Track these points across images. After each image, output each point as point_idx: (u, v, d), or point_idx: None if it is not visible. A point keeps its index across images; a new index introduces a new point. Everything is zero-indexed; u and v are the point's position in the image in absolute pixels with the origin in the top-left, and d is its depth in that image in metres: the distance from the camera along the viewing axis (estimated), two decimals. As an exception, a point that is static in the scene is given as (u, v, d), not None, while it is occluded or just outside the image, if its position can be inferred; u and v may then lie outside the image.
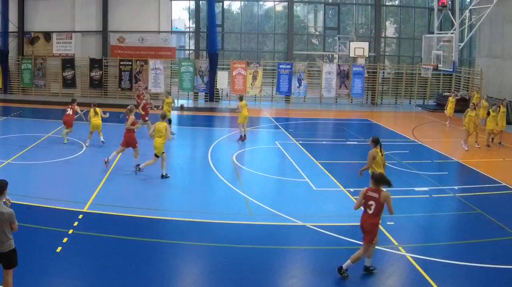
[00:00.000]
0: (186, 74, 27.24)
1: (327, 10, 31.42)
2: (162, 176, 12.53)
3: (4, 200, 6.23)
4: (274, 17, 31.44)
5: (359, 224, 7.59)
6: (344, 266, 7.52)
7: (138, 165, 12.74)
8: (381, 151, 9.95)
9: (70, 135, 16.17)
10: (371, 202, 7.40)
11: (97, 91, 27.44)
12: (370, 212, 7.40)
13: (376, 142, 9.95)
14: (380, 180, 7.42)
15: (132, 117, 13.23)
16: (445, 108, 22.50)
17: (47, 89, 27.39)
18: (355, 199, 11.14)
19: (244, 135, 17.17)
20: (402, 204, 11.03)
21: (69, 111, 16.52)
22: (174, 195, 11.66)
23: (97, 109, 15.99)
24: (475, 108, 17.28)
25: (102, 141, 15.77)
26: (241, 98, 17.49)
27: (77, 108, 16.79)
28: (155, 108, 17.88)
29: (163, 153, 12.55)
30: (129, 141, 13.27)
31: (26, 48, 27.47)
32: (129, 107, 13.65)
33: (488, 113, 17.75)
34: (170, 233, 9.21)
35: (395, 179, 13.00)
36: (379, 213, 7.40)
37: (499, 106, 17.88)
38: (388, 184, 7.46)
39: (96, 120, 15.81)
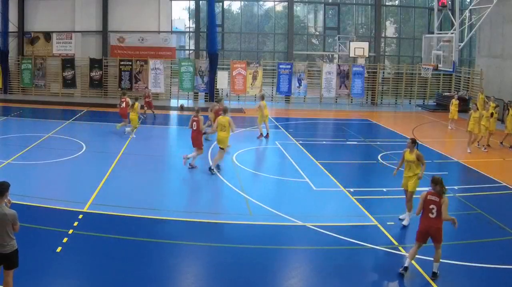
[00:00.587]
0: (186, 74, 27.24)
1: (327, 10, 31.41)
2: (210, 169, 12.96)
3: (5, 201, 6.24)
4: (274, 17, 31.44)
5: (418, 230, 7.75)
6: (435, 269, 7.64)
7: (211, 167, 12.99)
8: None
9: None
10: (432, 206, 7.46)
11: (97, 91, 27.44)
12: (433, 215, 7.47)
13: (415, 142, 10.03)
14: (441, 185, 7.56)
15: (201, 118, 13.37)
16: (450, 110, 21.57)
17: (47, 89, 27.38)
18: (355, 199, 11.19)
19: (267, 134, 17.97)
20: (402, 204, 11.02)
21: (123, 105, 18.02)
22: (174, 195, 11.66)
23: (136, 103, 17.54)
24: (477, 109, 16.98)
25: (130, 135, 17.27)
26: (262, 98, 17.95)
27: (129, 100, 18.04)
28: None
29: (229, 146, 13.17)
30: (195, 142, 13.39)
31: (26, 48, 27.46)
32: (196, 108, 13.89)
33: (491, 115, 17.31)
34: (170, 233, 9.21)
35: (395, 179, 13.02)
36: (440, 217, 7.50)
37: (508, 109, 17.76)
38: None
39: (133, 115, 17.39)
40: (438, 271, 7.62)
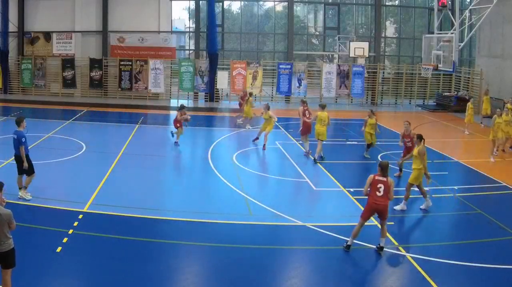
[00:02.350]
0: (186, 74, 27.24)
1: (327, 10, 31.41)
2: (315, 160, 14.43)
3: (-1, 200, 6.25)
4: (274, 17, 31.44)
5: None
6: (382, 243, 8.53)
7: (315, 157, 14.56)
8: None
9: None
10: (380, 185, 8.42)
11: (97, 91, 27.44)
12: (380, 194, 8.40)
13: (421, 138, 10.84)
14: (387, 168, 8.59)
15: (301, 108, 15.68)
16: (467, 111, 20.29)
17: (47, 89, 27.37)
18: (355, 199, 11.19)
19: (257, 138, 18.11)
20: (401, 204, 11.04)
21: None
22: (174, 195, 11.66)
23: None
24: (501, 114, 16.02)
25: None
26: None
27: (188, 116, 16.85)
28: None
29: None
30: (306, 131, 15.36)
31: (26, 48, 27.45)
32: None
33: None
34: (170, 233, 9.21)
35: (395, 178, 13.01)
36: (387, 195, 8.43)
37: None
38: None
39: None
40: (384, 245, 8.53)
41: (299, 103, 16.86)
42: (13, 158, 10.65)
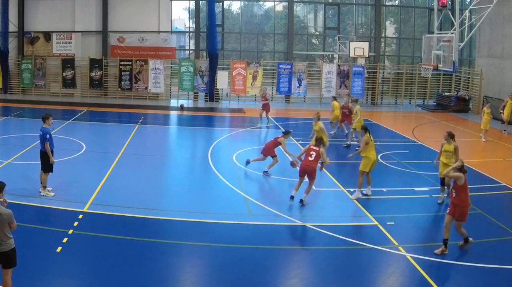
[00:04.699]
0: (186, 74, 27.25)
1: (327, 10, 31.40)
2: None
3: (1, 200, 6.25)
4: (274, 17, 31.43)
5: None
6: (304, 199, 10.65)
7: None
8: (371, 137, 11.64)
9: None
10: (312, 153, 10.76)
11: (97, 91, 27.46)
12: (311, 159, 10.72)
13: (365, 129, 11.68)
14: (321, 140, 11.05)
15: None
16: (481, 115, 19.22)
17: (47, 89, 27.39)
18: (355, 199, 11.20)
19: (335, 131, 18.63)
20: (402, 204, 11.04)
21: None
22: (174, 195, 11.66)
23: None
24: None
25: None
26: (334, 98, 18.28)
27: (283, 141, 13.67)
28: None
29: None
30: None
31: (26, 48, 27.46)
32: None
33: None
34: (170, 233, 9.21)
35: (395, 178, 13.05)
36: (317, 161, 10.75)
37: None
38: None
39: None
40: (305, 200, 10.61)
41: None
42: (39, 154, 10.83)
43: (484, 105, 20.51)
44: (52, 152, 10.66)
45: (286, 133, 13.34)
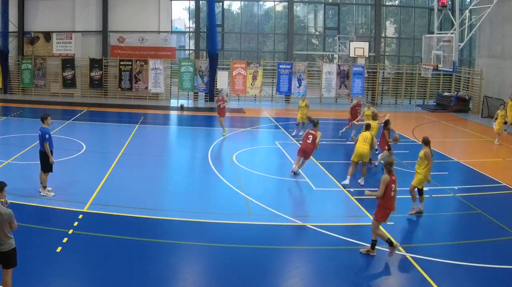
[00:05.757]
0: (186, 74, 27.25)
1: (327, 10, 31.41)
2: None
3: (2, 200, 6.25)
4: (274, 17, 31.44)
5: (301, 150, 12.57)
6: (296, 170, 12.94)
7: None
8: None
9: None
10: (310, 136, 12.59)
11: (97, 91, 27.46)
12: (309, 141, 12.58)
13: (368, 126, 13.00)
14: (317, 123, 12.87)
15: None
16: (493, 120, 18.75)
17: (47, 89, 27.39)
18: (355, 199, 11.21)
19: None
20: (402, 204, 11.01)
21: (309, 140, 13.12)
22: (174, 195, 11.65)
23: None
24: None
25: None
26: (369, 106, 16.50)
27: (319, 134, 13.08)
28: None
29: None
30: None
31: (26, 48, 27.46)
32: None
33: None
34: (170, 233, 9.21)
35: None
36: (314, 142, 12.57)
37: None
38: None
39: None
40: (297, 171, 13.01)
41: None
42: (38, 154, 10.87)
43: (499, 109, 19.19)
44: (51, 152, 10.66)
45: (316, 124, 13.08)
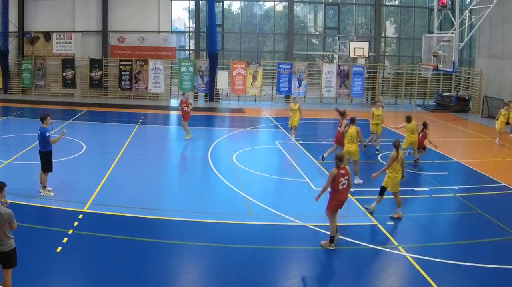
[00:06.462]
0: (186, 74, 27.25)
1: (327, 10, 31.42)
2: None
3: (2, 200, 6.25)
4: (274, 17, 31.44)
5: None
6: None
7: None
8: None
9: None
10: (340, 124, 13.34)
11: (97, 91, 27.46)
12: (340, 129, 13.22)
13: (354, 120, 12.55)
14: (344, 113, 13.65)
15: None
16: (496, 119, 18.53)
17: (47, 89, 27.40)
18: (355, 199, 11.21)
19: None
20: (402, 204, 11.02)
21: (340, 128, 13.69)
22: (174, 195, 11.66)
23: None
24: None
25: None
26: (408, 120, 14.80)
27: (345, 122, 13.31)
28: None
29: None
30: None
31: (26, 48, 27.46)
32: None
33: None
34: (170, 233, 9.21)
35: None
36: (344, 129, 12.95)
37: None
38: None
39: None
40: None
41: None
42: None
43: (503, 108, 19.01)
44: (51, 151, 10.67)
45: (353, 121, 12.55)
